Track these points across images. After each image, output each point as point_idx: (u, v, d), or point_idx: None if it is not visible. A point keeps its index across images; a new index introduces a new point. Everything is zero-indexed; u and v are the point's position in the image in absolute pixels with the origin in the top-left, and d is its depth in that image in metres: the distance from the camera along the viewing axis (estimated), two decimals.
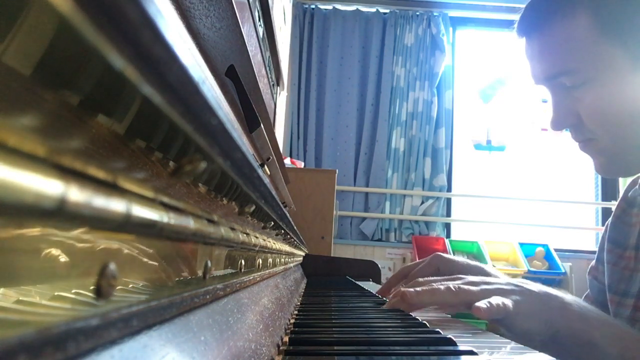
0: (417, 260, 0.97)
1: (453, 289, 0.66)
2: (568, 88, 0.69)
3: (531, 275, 3.08)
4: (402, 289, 0.70)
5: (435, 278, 0.73)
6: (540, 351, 0.45)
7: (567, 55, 0.67)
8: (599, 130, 0.69)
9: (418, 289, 0.69)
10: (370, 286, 1.33)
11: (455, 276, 0.73)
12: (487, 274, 0.82)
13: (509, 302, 0.61)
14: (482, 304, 0.60)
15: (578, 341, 0.60)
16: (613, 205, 3.51)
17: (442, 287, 0.67)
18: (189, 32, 0.33)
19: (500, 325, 0.61)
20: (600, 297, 0.84)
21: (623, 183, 3.40)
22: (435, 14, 3.63)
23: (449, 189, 3.56)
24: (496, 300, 0.61)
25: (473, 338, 0.54)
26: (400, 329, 0.55)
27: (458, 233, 3.61)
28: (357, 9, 3.64)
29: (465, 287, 0.66)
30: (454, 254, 3.17)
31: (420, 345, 0.44)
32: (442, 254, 0.93)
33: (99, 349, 0.14)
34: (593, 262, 0.90)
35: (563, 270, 3.14)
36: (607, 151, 0.70)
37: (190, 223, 0.22)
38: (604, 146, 0.70)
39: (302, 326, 0.55)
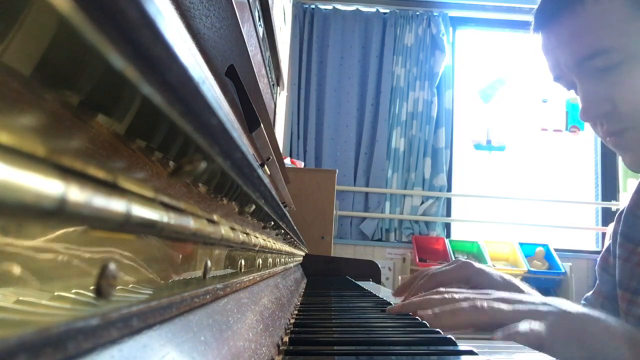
0: (441, 266, 0.83)
1: (479, 307, 0.57)
2: (601, 71, 0.65)
3: (531, 275, 3.08)
4: (420, 312, 0.60)
5: (458, 290, 0.65)
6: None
7: (603, 34, 0.64)
8: (637, 115, 0.64)
9: (437, 310, 0.59)
10: (371, 286, 1.33)
11: (482, 291, 0.64)
12: (522, 292, 0.73)
13: (541, 327, 0.53)
14: (500, 333, 0.52)
15: None
16: (613, 205, 3.48)
17: (465, 304, 0.58)
18: (189, 32, 0.33)
19: (535, 350, 0.52)
20: (614, 292, 0.78)
21: (624, 182, 3.40)
22: (435, 14, 3.63)
23: (449, 189, 3.56)
24: (524, 327, 0.53)
25: (473, 337, 0.54)
26: (400, 329, 0.55)
27: (458, 233, 3.61)
28: (357, 9, 3.65)
29: (496, 305, 0.58)
30: (454, 254, 3.17)
31: (420, 345, 0.44)
32: (472, 262, 0.81)
33: (99, 349, 0.14)
34: (602, 253, 0.85)
35: (563, 270, 3.14)
36: None
37: (190, 223, 0.22)
38: None
39: (302, 326, 0.55)
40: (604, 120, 0.67)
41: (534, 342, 0.52)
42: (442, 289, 0.66)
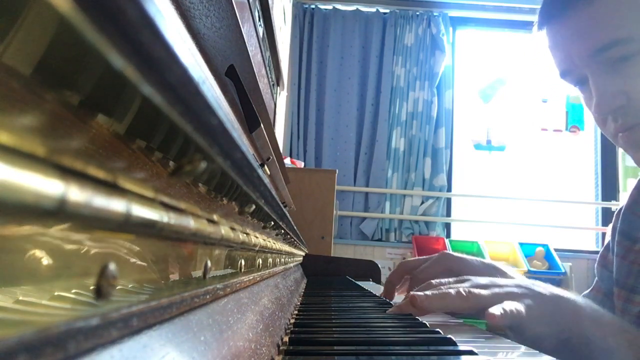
0: (418, 257, 0.90)
1: (464, 293, 0.62)
2: (615, 63, 0.64)
3: (531, 275, 3.08)
4: (412, 292, 0.65)
5: (446, 280, 0.70)
6: (547, 354, 0.43)
7: (619, 24, 0.63)
8: None
9: (428, 292, 0.64)
10: (370, 286, 1.33)
11: (462, 277, 0.69)
12: (503, 274, 0.78)
13: (521, 307, 0.58)
14: (496, 310, 0.56)
15: (591, 347, 0.57)
16: (613, 205, 3.47)
17: (452, 291, 0.63)
18: (189, 32, 0.33)
19: (510, 330, 0.58)
20: (612, 288, 0.80)
21: (624, 182, 3.40)
22: (435, 14, 3.63)
23: (449, 189, 3.56)
24: (509, 305, 0.58)
25: (472, 337, 0.54)
26: (400, 329, 0.55)
27: (458, 233, 3.61)
28: (357, 9, 3.65)
29: (476, 291, 0.62)
30: None
31: (420, 345, 0.44)
32: (450, 252, 0.86)
33: (99, 349, 0.14)
34: (601, 251, 0.86)
35: (563, 270, 3.14)
36: None
37: (190, 223, 0.22)
38: None
39: (302, 326, 0.55)
40: (619, 115, 0.66)
41: (515, 320, 0.57)
42: (432, 281, 0.71)
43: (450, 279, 0.70)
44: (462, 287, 0.64)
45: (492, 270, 0.80)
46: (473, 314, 0.63)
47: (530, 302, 0.60)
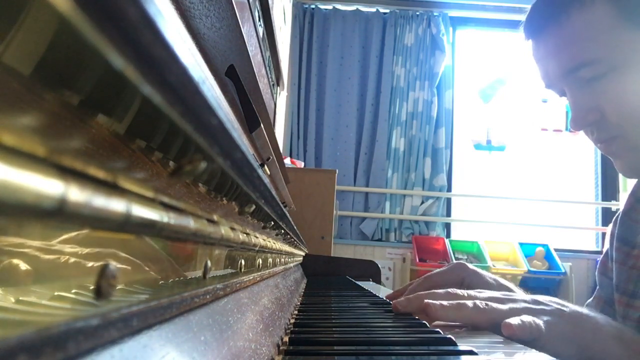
0: (439, 269, 0.85)
1: (481, 306, 0.59)
2: (588, 81, 0.66)
3: (531, 275, 3.08)
4: (426, 300, 0.61)
5: (455, 290, 0.66)
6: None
7: (588, 45, 0.64)
8: (625, 124, 0.65)
9: (444, 302, 0.60)
10: (370, 286, 1.33)
11: (476, 290, 0.66)
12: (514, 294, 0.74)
13: (540, 322, 0.55)
14: (513, 321, 0.53)
15: None
16: (613, 205, 3.46)
17: (469, 303, 0.59)
18: (189, 32, 0.33)
19: (529, 347, 0.53)
20: (613, 296, 0.79)
21: (623, 182, 3.40)
22: (435, 14, 3.63)
23: (449, 189, 3.56)
24: (527, 318, 0.54)
25: (472, 337, 0.54)
26: (400, 329, 0.55)
27: (458, 233, 3.61)
28: (357, 8, 3.65)
29: (494, 304, 0.59)
30: (454, 254, 3.17)
31: (420, 345, 0.44)
32: (467, 264, 0.83)
33: (99, 349, 0.14)
34: (601, 258, 0.86)
35: (563, 270, 3.14)
36: (635, 148, 0.66)
37: (190, 223, 0.22)
38: (631, 142, 0.66)
39: (302, 326, 0.55)
40: (594, 129, 0.69)
41: (533, 335, 0.53)
42: (442, 291, 0.66)
43: (466, 291, 0.66)
44: (479, 300, 0.60)
45: (504, 289, 0.77)
46: (488, 329, 0.59)
47: (550, 318, 0.57)
